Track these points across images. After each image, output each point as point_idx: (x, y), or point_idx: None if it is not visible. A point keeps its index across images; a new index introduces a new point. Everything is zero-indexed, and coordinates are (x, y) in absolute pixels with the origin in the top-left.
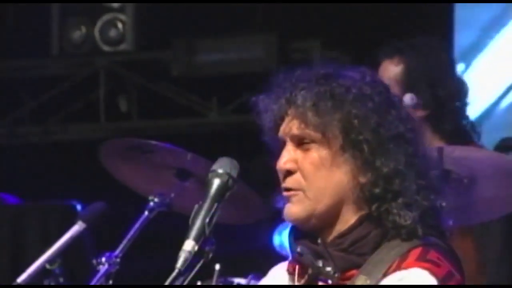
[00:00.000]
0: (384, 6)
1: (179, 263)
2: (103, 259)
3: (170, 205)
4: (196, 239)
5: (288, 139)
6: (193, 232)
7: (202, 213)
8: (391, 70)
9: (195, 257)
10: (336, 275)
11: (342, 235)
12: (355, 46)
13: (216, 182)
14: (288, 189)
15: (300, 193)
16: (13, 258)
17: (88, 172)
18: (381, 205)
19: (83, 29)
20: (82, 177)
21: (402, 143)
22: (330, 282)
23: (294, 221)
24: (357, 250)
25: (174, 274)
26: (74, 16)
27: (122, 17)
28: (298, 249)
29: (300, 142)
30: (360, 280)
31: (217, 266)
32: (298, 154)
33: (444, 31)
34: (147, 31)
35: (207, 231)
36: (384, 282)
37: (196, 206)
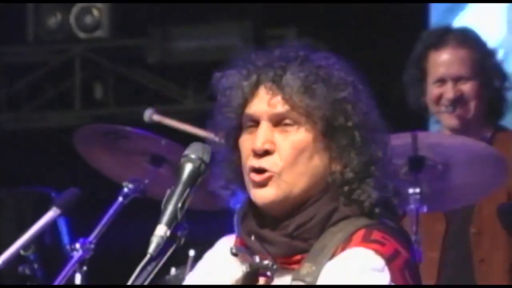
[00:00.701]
0: None
1: (151, 248)
2: (77, 245)
3: (144, 191)
4: (168, 224)
5: (265, 119)
6: (165, 217)
7: (174, 198)
8: (461, 54)
9: (167, 242)
10: (274, 266)
11: (290, 218)
12: (331, 34)
13: (188, 167)
14: (260, 171)
15: (275, 175)
16: None
17: (63, 159)
18: (350, 187)
19: (58, 16)
20: (57, 164)
21: (379, 130)
22: (269, 273)
23: (267, 204)
24: (302, 235)
25: (146, 259)
26: (49, 2)
27: (98, 4)
28: (233, 250)
29: (279, 123)
30: (306, 268)
31: (192, 252)
32: (276, 135)
33: (420, 18)
34: (122, 18)
35: (179, 216)
36: (329, 265)
37: (168, 191)
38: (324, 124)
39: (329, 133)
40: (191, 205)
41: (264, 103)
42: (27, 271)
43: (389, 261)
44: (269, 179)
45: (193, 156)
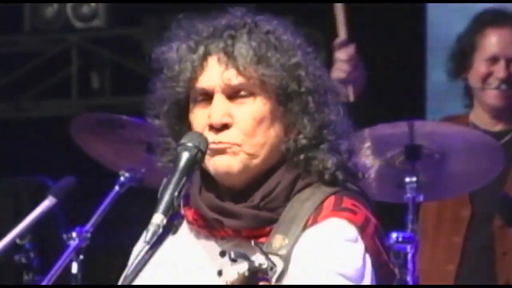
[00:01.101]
0: None
1: (148, 237)
2: (74, 234)
3: (141, 180)
4: (165, 213)
5: (219, 91)
6: (162, 205)
7: (171, 186)
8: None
9: (163, 230)
10: (273, 269)
11: (253, 190)
12: (328, 23)
13: (184, 156)
14: (218, 144)
15: (236, 147)
16: None
17: (59, 148)
18: (306, 154)
19: (55, 6)
20: (53, 153)
21: (330, 92)
22: (268, 277)
23: (226, 174)
24: (268, 205)
25: (142, 247)
26: None
27: None
28: (232, 255)
29: (234, 95)
30: (278, 240)
31: None
32: (232, 107)
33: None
34: (119, 7)
35: (175, 204)
36: (303, 237)
37: (165, 179)
38: (279, 92)
39: (283, 100)
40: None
41: (217, 75)
42: (23, 260)
43: (362, 229)
44: (229, 148)
45: (189, 144)
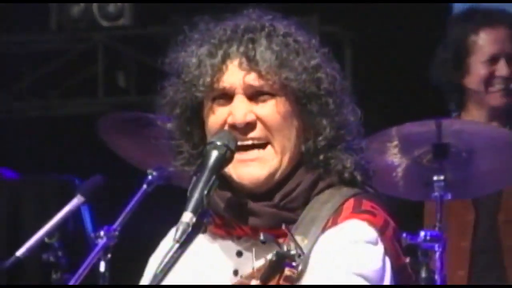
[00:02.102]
0: None
1: (177, 235)
2: (102, 233)
3: (169, 178)
4: (194, 211)
5: (240, 92)
6: (191, 204)
7: (200, 185)
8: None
9: (193, 228)
10: (301, 257)
11: (273, 190)
12: (353, 21)
13: (214, 154)
14: (246, 147)
15: (269, 148)
16: (12, 232)
17: (86, 146)
18: (325, 155)
19: (82, 4)
20: (80, 152)
21: (346, 92)
22: (294, 264)
23: (252, 184)
24: (289, 205)
25: (171, 246)
26: None
27: None
28: (261, 237)
29: (255, 96)
30: (298, 240)
31: None
32: (254, 106)
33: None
34: (145, 6)
35: (205, 202)
36: (322, 238)
37: (194, 178)
38: (299, 94)
39: (303, 102)
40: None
41: (238, 78)
42: (52, 259)
43: (381, 232)
44: (257, 159)
45: (218, 143)
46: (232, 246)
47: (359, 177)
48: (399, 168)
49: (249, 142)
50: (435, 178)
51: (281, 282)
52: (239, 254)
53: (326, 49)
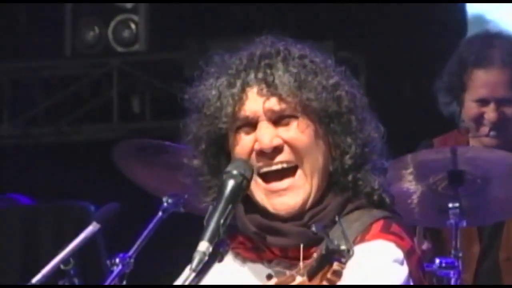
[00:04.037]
0: (397, 7)
1: (194, 264)
2: (117, 260)
3: (184, 205)
4: (210, 240)
5: (263, 119)
6: (208, 233)
7: (216, 214)
8: (507, 75)
9: (209, 258)
10: (351, 252)
11: (303, 211)
12: (368, 47)
13: (230, 184)
14: (278, 175)
15: (299, 171)
16: (27, 259)
17: (101, 172)
18: (354, 176)
19: (96, 30)
20: (95, 178)
21: (367, 108)
22: (343, 260)
23: (287, 213)
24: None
25: (187, 275)
26: (87, 16)
27: (135, 17)
28: (313, 228)
29: (278, 120)
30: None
31: None
32: (279, 131)
33: (457, 31)
34: (160, 31)
35: (221, 232)
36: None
37: (211, 207)
38: (321, 114)
39: (325, 121)
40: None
41: (259, 104)
42: (68, 286)
43: (408, 255)
44: (288, 189)
45: (235, 172)
46: (262, 269)
47: (387, 200)
48: (414, 195)
49: (279, 167)
50: (450, 205)
51: (329, 276)
52: (269, 277)
53: (343, 67)
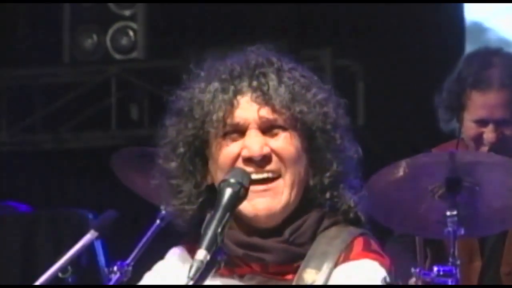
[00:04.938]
0: (395, 15)
1: (191, 273)
2: (115, 268)
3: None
4: (208, 249)
5: (253, 126)
6: (205, 241)
7: (214, 222)
8: (505, 96)
9: (207, 266)
10: None
11: (282, 226)
12: (366, 55)
13: (228, 192)
14: (261, 181)
15: (280, 181)
16: (25, 266)
17: (99, 180)
18: (331, 193)
19: (95, 37)
20: (93, 185)
21: (348, 127)
22: None
23: (267, 215)
24: (297, 240)
25: (186, 283)
26: (85, 24)
27: (134, 25)
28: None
29: (267, 130)
30: (310, 274)
31: None
32: (268, 139)
33: (455, 39)
34: (158, 39)
35: (219, 240)
36: (336, 273)
37: (208, 215)
38: (309, 128)
39: (310, 136)
40: None
41: (252, 112)
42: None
43: (389, 273)
44: (270, 189)
45: (232, 180)
46: (234, 284)
47: (362, 218)
48: (410, 203)
49: (265, 175)
50: (448, 213)
51: None
52: None
53: (329, 86)
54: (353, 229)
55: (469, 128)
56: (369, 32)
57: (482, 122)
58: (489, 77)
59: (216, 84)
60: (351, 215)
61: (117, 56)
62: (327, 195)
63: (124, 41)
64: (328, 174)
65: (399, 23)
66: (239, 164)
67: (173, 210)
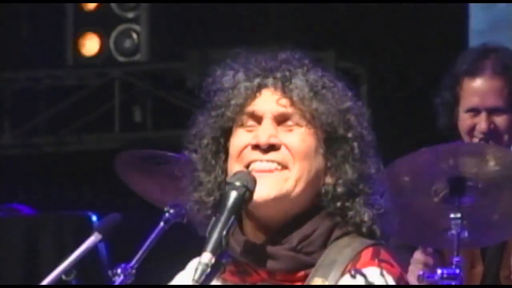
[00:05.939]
0: (399, 18)
1: (196, 275)
2: (119, 270)
3: (186, 216)
4: (213, 252)
5: (268, 116)
6: (210, 244)
7: (219, 225)
8: (497, 84)
9: (212, 269)
10: None
11: (290, 232)
12: (369, 57)
13: (233, 195)
14: (266, 170)
15: (286, 171)
16: (28, 269)
17: (103, 182)
18: (343, 203)
19: (98, 40)
20: (97, 188)
21: (373, 146)
22: None
23: (266, 202)
24: (306, 249)
25: (191, 286)
26: (88, 26)
27: (137, 27)
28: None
29: (282, 123)
30: (318, 283)
31: None
32: (280, 132)
33: (459, 42)
34: (161, 41)
35: (224, 243)
36: (343, 281)
37: (213, 218)
38: (326, 130)
39: (329, 141)
40: None
41: (270, 102)
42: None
43: (398, 282)
44: (274, 175)
45: (237, 183)
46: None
47: (377, 232)
48: (411, 209)
49: (270, 165)
50: (451, 215)
51: None
52: None
53: (360, 101)
54: (366, 239)
55: (463, 120)
56: (373, 34)
57: (474, 111)
58: (483, 65)
59: (242, 75)
60: (364, 229)
61: (120, 59)
62: (338, 204)
63: (127, 43)
64: (341, 181)
65: (402, 25)
66: (248, 152)
67: (193, 203)
